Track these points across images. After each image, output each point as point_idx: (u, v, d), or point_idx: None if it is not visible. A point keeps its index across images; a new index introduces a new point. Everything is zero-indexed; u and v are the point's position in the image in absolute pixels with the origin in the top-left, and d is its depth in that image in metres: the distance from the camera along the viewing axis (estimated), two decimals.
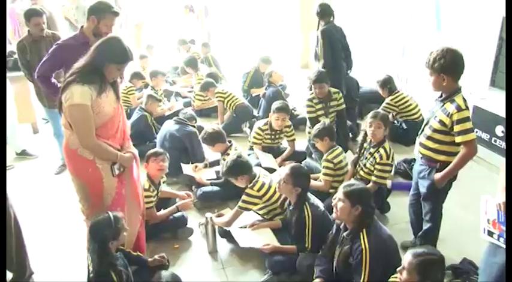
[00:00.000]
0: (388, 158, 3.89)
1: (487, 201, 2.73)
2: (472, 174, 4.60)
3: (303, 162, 4.79)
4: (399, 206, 4.12)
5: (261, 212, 3.84)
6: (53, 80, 3.87)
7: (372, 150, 3.99)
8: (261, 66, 7.52)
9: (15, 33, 7.29)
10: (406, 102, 5.70)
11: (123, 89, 6.48)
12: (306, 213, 3.29)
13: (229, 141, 4.71)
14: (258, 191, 3.70)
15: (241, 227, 3.78)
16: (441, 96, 3.14)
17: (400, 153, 5.26)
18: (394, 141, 5.45)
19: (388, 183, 4.25)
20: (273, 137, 5.16)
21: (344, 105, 5.35)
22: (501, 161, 2.85)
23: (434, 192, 3.23)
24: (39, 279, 3.41)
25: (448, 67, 2.96)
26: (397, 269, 2.43)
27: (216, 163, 4.93)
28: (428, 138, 3.17)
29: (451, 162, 3.11)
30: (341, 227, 3.00)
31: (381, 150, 3.89)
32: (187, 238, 3.98)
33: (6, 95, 4.18)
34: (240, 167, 3.79)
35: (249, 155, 5.05)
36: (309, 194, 3.46)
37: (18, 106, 5.68)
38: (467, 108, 3.00)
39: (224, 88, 6.68)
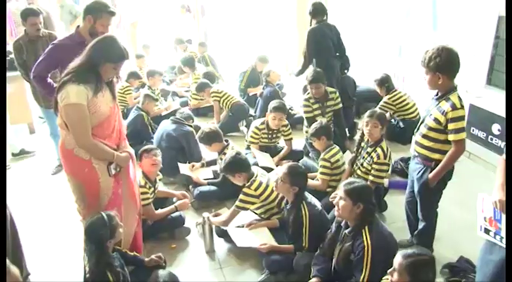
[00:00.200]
0: (385, 158, 3.90)
1: (483, 199, 2.74)
2: (469, 172, 4.62)
3: (300, 161, 4.80)
4: (396, 204, 4.12)
5: (258, 212, 3.84)
6: (49, 80, 3.86)
7: (369, 149, 3.99)
8: (258, 65, 7.51)
9: (12, 33, 7.27)
10: (403, 101, 5.71)
11: (120, 89, 6.47)
12: (303, 212, 3.29)
13: (226, 141, 4.71)
14: (256, 190, 3.70)
15: (238, 227, 3.78)
16: (437, 94, 3.15)
17: (397, 152, 5.27)
18: (391, 139, 5.47)
19: (385, 182, 4.26)
20: (270, 136, 5.16)
21: (341, 105, 5.35)
22: (497, 159, 2.87)
23: (428, 191, 3.24)
24: (35, 280, 3.40)
25: (444, 66, 2.97)
26: (388, 271, 2.42)
27: (213, 162, 4.94)
28: (424, 136, 3.18)
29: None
30: (342, 224, 3.01)
31: (378, 150, 3.90)
32: (184, 238, 3.98)
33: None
34: (239, 164, 3.79)
35: (246, 154, 5.04)
36: (306, 193, 3.46)
37: (12, 106, 5.66)
38: (462, 107, 3.02)
39: (219, 87, 6.69)
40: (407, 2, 6.33)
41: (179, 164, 4.81)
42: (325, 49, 5.65)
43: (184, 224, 4.01)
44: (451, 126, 3.01)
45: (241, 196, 3.72)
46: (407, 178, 3.66)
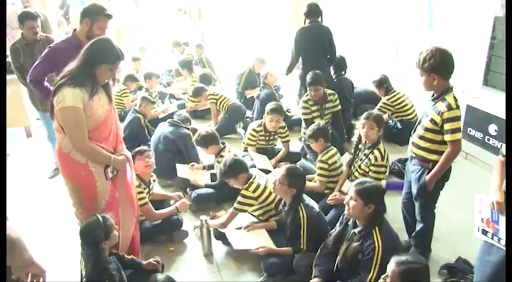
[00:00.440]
0: (382, 159, 3.90)
1: (481, 200, 2.75)
2: (466, 173, 4.63)
3: (297, 163, 4.79)
4: (394, 205, 4.11)
5: (256, 213, 3.84)
6: (46, 84, 3.85)
7: (366, 151, 3.99)
8: (256, 66, 7.52)
9: (8, 36, 7.25)
10: (402, 102, 5.71)
11: (117, 91, 6.47)
12: (301, 214, 3.29)
13: (223, 143, 4.70)
14: (254, 192, 3.70)
15: (236, 229, 3.78)
16: (433, 95, 3.15)
17: (395, 153, 5.27)
18: (388, 140, 5.48)
19: (383, 183, 4.26)
20: (267, 138, 5.16)
21: (339, 107, 5.37)
22: (493, 160, 2.88)
23: (426, 192, 3.24)
24: None
25: (438, 66, 2.97)
26: (382, 276, 2.42)
27: (211, 167, 4.92)
28: (421, 137, 3.19)
29: None
30: (349, 223, 3.01)
31: (376, 152, 3.90)
32: (182, 241, 3.97)
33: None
34: (240, 165, 3.79)
35: (243, 156, 5.05)
36: (304, 195, 3.46)
37: (9, 110, 5.61)
38: (458, 107, 3.02)
39: (216, 90, 6.69)
40: (403, 3, 6.35)
41: (177, 165, 4.79)
42: (311, 49, 5.68)
43: (182, 226, 4.00)
44: (447, 126, 3.01)
45: (239, 198, 3.72)
46: (404, 179, 3.66)
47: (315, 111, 5.21)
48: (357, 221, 2.92)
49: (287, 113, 6.23)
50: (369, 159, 3.93)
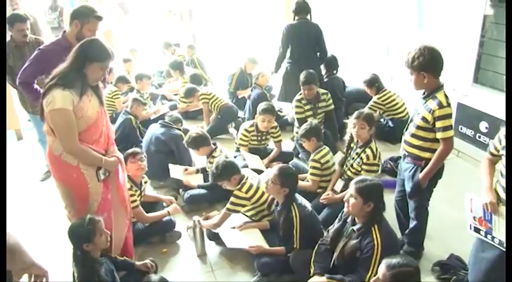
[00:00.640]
0: (374, 158, 3.91)
1: (472, 199, 2.76)
2: (457, 171, 4.66)
3: (290, 162, 4.79)
4: (386, 203, 4.12)
5: (249, 214, 3.84)
6: (35, 86, 3.82)
7: (358, 150, 4.00)
8: (247, 67, 7.50)
9: None
10: (393, 100, 5.73)
11: (108, 93, 6.45)
12: (294, 213, 3.29)
13: (214, 144, 4.69)
14: (246, 192, 3.70)
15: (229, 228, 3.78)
16: (424, 93, 3.17)
17: (387, 151, 5.29)
18: (380, 139, 5.49)
19: None
20: (259, 138, 5.16)
21: (332, 106, 5.39)
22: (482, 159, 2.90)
23: (420, 190, 3.25)
24: None
25: (428, 64, 2.98)
26: (372, 279, 2.42)
27: (205, 169, 4.88)
28: (413, 135, 3.20)
29: None
30: (348, 220, 3.01)
31: (368, 151, 3.91)
32: (175, 242, 3.97)
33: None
34: (232, 167, 3.79)
35: (235, 157, 5.05)
36: (297, 195, 3.46)
37: None
38: (448, 105, 3.04)
39: (208, 90, 6.68)
40: (393, 2, 6.37)
41: (170, 166, 4.78)
42: (299, 46, 5.75)
43: (175, 227, 4.00)
44: (438, 124, 3.03)
45: (232, 199, 3.72)
46: (397, 177, 3.68)
47: (308, 111, 5.22)
48: (356, 218, 2.93)
49: (279, 113, 6.23)
50: (361, 158, 3.94)
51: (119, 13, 10.36)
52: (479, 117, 5.03)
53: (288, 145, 5.58)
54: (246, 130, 5.11)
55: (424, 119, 3.08)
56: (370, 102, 5.80)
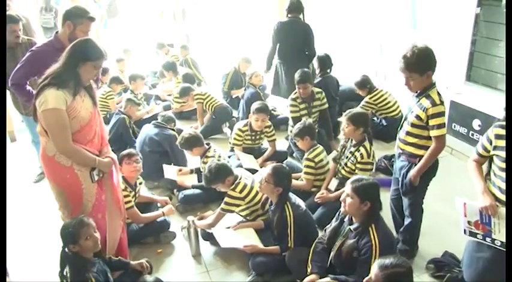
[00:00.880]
0: (368, 157, 3.92)
1: (465, 204, 2.74)
2: (451, 168, 4.67)
3: (284, 161, 4.80)
4: (382, 202, 4.14)
5: (243, 213, 3.84)
6: (28, 88, 3.81)
7: (352, 149, 4.01)
8: (241, 66, 7.51)
9: None
10: (384, 99, 5.75)
11: (102, 94, 6.44)
12: (287, 212, 3.29)
13: (208, 144, 4.67)
14: (240, 192, 3.70)
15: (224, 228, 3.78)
16: (417, 91, 3.17)
17: (381, 150, 5.30)
18: (374, 138, 5.48)
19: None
20: (253, 137, 5.16)
21: (327, 105, 5.40)
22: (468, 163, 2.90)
23: (413, 187, 3.26)
24: None
25: (421, 64, 2.98)
26: (365, 279, 2.41)
27: (199, 170, 4.88)
28: (407, 133, 3.21)
29: None
30: (345, 219, 3.01)
31: (362, 149, 3.92)
32: (170, 242, 3.96)
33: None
34: (225, 170, 3.78)
35: (229, 156, 5.05)
36: (291, 194, 3.47)
37: None
38: (442, 103, 3.05)
39: (202, 90, 6.67)
40: (387, 1, 6.39)
41: (164, 167, 4.77)
42: (286, 44, 5.85)
43: (169, 228, 3.99)
44: (431, 122, 3.04)
45: (226, 199, 3.72)
46: (391, 176, 3.69)
47: (303, 109, 5.23)
48: (353, 218, 2.93)
49: (273, 112, 6.23)
50: (355, 156, 3.95)
51: (101, 15, 10.32)
52: (472, 115, 5.05)
53: (282, 144, 5.59)
54: (240, 130, 5.11)
55: (417, 117, 3.09)
56: (362, 102, 5.83)
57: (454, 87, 5.19)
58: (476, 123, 5.02)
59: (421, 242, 3.61)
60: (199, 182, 4.59)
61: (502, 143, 2.61)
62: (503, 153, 2.59)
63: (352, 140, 4.04)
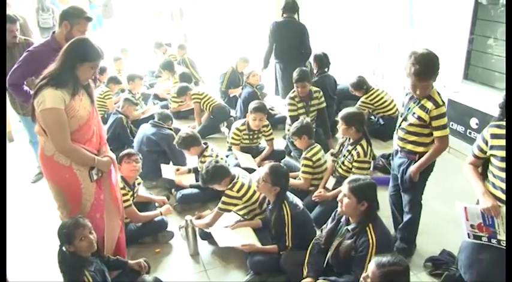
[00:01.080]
0: (365, 155, 3.92)
1: (466, 208, 2.71)
2: (448, 167, 4.67)
3: (282, 161, 4.81)
4: (379, 200, 4.15)
5: (241, 213, 3.84)
6: (25, 88, 3.80)
7: (349, 147, 4.02)
8: (239, 65, 7.52)
9: None
10: (381, 99, 5.76)
11: (100, 94, 6.43)
12: (285, 211, 3.30)
13: (205, 143, 4.66)
14: (238, 191, 3.70)
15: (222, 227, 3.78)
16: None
17: (378, 149, 5.31)
18: (371, 136, 5.49)
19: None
20: (251, 137, 5.16)
21: (324, 104, 5.41)
22: (464, 166, 2.89)
23: (413, 183, 3.28)
24: None
25: (432, 72, 2.97)
26: (362, 276, 2.41)
27: (196, 169, 4.88)
28: (407, 132, 3.22)
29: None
30: (342, 219, 3.01)
31: (358, 148, 3.93)
32: (168, 242, 3.96)
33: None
34: (222, 171, 3.78)
35: (227, 156, 5.05)
36: (288, 193, 3.47)
37: None
38: (443, 103, 3.08)
39: (200, 89, 6.68)
40: (384, 0, 6.39)
41: (162, 166, 4.78)
42: (282, 44, 5.97)
43: (167, 227, 3.99)
44: (435, 123, 3.06)
45: (223, 198, 3.71)
46: (389, 174, 3.70)
47: (301, 108, 5.24)
48: (350, 218, 2.93)
49: (270, 111, 6.24)
50: (352, 155, 3.95)
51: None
52: (470, 113, 5.06)
53: (280, 143, 5.59)
54: (238, 129, 5.11)
55: (420, 118, 3.10)
56: (359, 102, 5.85)
57: (451, 85, 5.20)
58: (473, 122, 5.03)
59: (418, 240, 3.62)
60: (197, 181, 4.59)
61: (499, 142, 2.60)
62: (500, 152, 2.58)
63: (349, 138, 4.05)
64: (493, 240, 2.65)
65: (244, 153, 5.08)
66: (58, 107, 2.70)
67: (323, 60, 6.05)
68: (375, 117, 5.86)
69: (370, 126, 5.15)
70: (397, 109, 5.65)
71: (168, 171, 4.75)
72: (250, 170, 4.46)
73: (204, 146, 4.59)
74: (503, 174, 2.58)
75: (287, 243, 3.31)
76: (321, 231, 3.20)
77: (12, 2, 6.68)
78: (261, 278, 3.39)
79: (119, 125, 5.54)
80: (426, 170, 3.27)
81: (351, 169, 3.96)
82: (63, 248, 2.81)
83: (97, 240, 2.90)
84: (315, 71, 6.08)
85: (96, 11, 10.26)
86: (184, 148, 4.57)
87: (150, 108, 6.61)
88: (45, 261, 3.67)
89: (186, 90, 6.45)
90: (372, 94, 5.78)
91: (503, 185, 2.59)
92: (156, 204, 4.26)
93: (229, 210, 3.76)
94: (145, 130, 5.04)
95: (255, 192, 3.71)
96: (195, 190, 4.47)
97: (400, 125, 3.30)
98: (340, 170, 4.08)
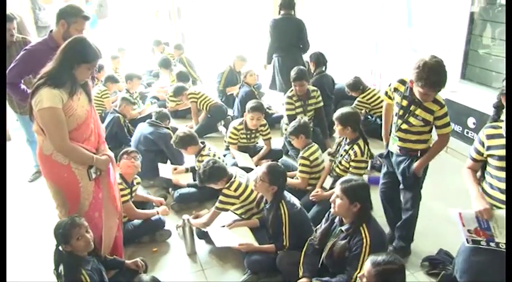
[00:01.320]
0: (362, 155, 3.92)
1: (460, 213, 2.69)
2: (446, 166, 4.69)
3: (279, 160, 4.81)
4: (376, 200, 4.13)
5: (238, 212, 3.84)
6: (22, 87, 3.79)
7: (346, 147, 4.02)
8: (236, 64, 7.53)
9: None
10: (377, 98, 5.77)
11: (97, 93, 6.42)
12: (283, 211, 3.30)
13: (202, 142, 4.66)
14: (235, 190, 3.70)
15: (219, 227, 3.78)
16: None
17: (376, 148, 5.28)
18: (368, 136, 5.48)
19: (365, 178, 4.29)
20: (248, 136, 5.16)
21: (322, 103, 5.41)
22: (463, 169, 2.89)
23: (416, 180, 3.32)
24: None
25: (444, 81, 2.98)
26: (358, 275, 2.42)
27: (194, 169, 4.87)
28: (409, 133, 3.24)
29: (428, 148, 3.25)
30: (336, 220, 3.01)
31: (355, 147, 3.92)
32: (165, 240, 3.97)
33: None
34: (219, 171, 3.78)
35: (225, 155, 5.05)
36: (286, 192, 3.47)
37: None
38: (445, 103, 3.11)
39: (196, 89, 6.68)
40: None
41: (159, 165, 4.78)
42: (282, 40, 6.09)
43: (164, 226, 3.99)
44: (439, 122, 3.12)
45: (220, 197, 3.71)
46: (382, 170, 3.72)
47: (299, 107, 5.24)
48: (343, 218, 2.93)
49: (268, 110, 6.24)
50: (349, 155, 3.95)
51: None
52: (468, 113, 5.07)
53: (277, 143, 5.59)
54: (235, 128, 5.11)
55: (424, 120, 3.13)
56: (355, 102, 5.87)
57: (449, 85, 5.18)
58: (471, 121, 5.03)
59: (416, 239, 3.62)
60: (194, 180, 4.59)
61: (495, 141, 2.60)
62: (498, 152, 2.58)
63: (346, 138, 4.05)
64: (492, 244, 2.62)
65: (241, 152, 5.08)
66: (56, 106, 2.69)
67: (320, 59, 6.06)
68: (372, 117, 5.86)
69: (367, 126, 5.16)
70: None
71: (165, 170, 4.75)
72: (248, 169, 4.46)
73: (202, 145, 4.59)
74: (500, 174, 2.58)
75: (284, 243, 3.31)
76: (316, 231, 3.20)
77: (8, 1, 6.66)
78: (258, 278, 3.39)
79: (116, 124, 5.53)
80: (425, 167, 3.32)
81: (348, 169, 3.96)
82: (60, 248, 2.81)
83: (94, 239, 2.90)
84: (312, 71, 6.08)
85: (91, 8, 10.21)
86: (182, 147, 4.56)
87: (147, 108, 6.61)
88: (43, 260, 3.66)
89: (182, 90, 6.45)
90: (368, 94, 5.80)
91: (500, 185, 2.58)
92: (154, 204, 4.26)
93: (227, 210, 3.76)
94: (143, 129, 5.03)
95: (252, 191, 3.71)
96: (193, 189, 4.47)
97: (399, 126, 3.28)
98: (337, 170, 4.08)
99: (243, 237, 3.58)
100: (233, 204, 3.73)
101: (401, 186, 3.47)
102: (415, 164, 3.24)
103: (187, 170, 4.87)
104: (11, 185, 5.07)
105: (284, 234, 3.30)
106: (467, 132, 5.10)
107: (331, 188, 4.03)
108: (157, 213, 3.99)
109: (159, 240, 3.94)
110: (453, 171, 4.67)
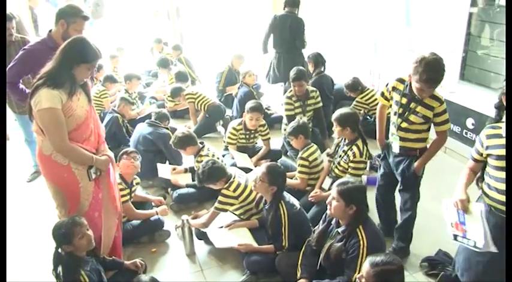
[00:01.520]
0: (361, 155, 3.91)
1: (447, 205, 2.72)
2: (444, 167, 4.69)
3: (278, 160, 4.81)
4: (373, 200, 4.15)
5: (237, 213, 3.84)
6: (21, 86, 3.78)
7: (345, 148, 4.01)
8: (234, 63, 7.54)
9: None
10: (376, 99, 5.75)
11: (96, 93, 6.41)
12: (282, 211, 3.30)
13: (201, 143, 4.65)
14: (234, 191, 3.69)
15: (218, 228, 3.78)
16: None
17: (374, 149, 5.28)
18: (367, 136, 5.49)
19: (364, 178, 4.28)
20: (247, 136, 5.16)
21: (321, 104, 5.40)
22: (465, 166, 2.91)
23: (416, 179, 3.34)
24: None
25: (441, 77, 3.02)
26: (357, 276, 2.42)
27: (193, 169, 4.87)
28: (409, 131, 3.25)
29: (426, 147, 3.27)
30: (333, 222, 3.00)
31: (354, 148, 3.92)
32: (164, 241, 3.96)
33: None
34: (218, 171, 3.77)
35: (223, 155, 5.05)
36: (285, 193, 3.46)
37: None
38: (444, 100, 3.13)
39: (194, 89, 6.68)
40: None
41: (158, 166, 4.77)
42: (279, 37, 6.34)
43: (163, 226, 3.99)
44: (438, 119, 3.14)
45: (220, 198, 3.71)
46: (378, 172, 3.73)
47: (298, 108, 5.24)
48: (339, 220, 2.93)
49: (267, 111, 6.24)
50: (348, 155, 3.95)
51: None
52: (466, 113, 5.07)
53: (276, 143, 5.59)
54: (234, 128, 5.10)
55: (425, 117, 3.15)
56: (354, 103, 5.87)
57: (447, 86, 5.20)
58: (469, 122, 5.04)
59: (414, 240, 3.62)
60: (193, 181, 4.59)
61: (494, 141, 2.61)
62: (495, 151, 2.58)
63: (345, 139, 4.05)
64: (465, 240, 2.64)
65: (240, 152, 5.08)
66: (55, 106, 2.69)
67: (318, 59, 6.06)
68: (371, 118, 5.86)
69: (366, 126, 5.15)
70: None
71: (164, 170, 4.75)
72: (247, 170, 4.46)
73: (200, 146, 4.58)
74: (498, 174, 2.58)
75: (284, 243, 3.31)
76: (313, 233, 3.20)
77: (7, 0, 6.65)
78: (257, 278, 3.39)
79: (114, 124, 5.53)
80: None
81: (347, 169, 3.95)
82: (60, 249, 2.81)
83: (94, 239, 2.90)
84: (311, 71, 6.08)
85: (88, 7, 10.20)
86: (181, 148, 4.56)
87: (146, 108, 6.60)
88: (42, 261, 3.65)
89: (180, 91, 6.45)
90: (367, 94, 5.80)
91: (498, 185, 2.59)
92: (153, 204, 4.26)
93: (226, 210, 3.76)
94: (142, 129, 5.02)
95: (251, 191, 3.71)
96: (192, 189, 4.47)
97: (398, 125, 3.29)
98: (336, 171, 4.08)
99: (242, 237, 3.58)
100: (232, 204, 3.73)
101: (399, 187, 3.47)
102: (416, 163, 3.26)
103: (186, 170, 4.86)
104: (9, 185, 5.06)
105: (283, 235, 3.30)
106: (466, 133, 5.10)
107: (330, 188, 4.02)
108: (157, 214, 3.98)
109: (158, 241, 3.94)
110: (452, 171, 4.66)
